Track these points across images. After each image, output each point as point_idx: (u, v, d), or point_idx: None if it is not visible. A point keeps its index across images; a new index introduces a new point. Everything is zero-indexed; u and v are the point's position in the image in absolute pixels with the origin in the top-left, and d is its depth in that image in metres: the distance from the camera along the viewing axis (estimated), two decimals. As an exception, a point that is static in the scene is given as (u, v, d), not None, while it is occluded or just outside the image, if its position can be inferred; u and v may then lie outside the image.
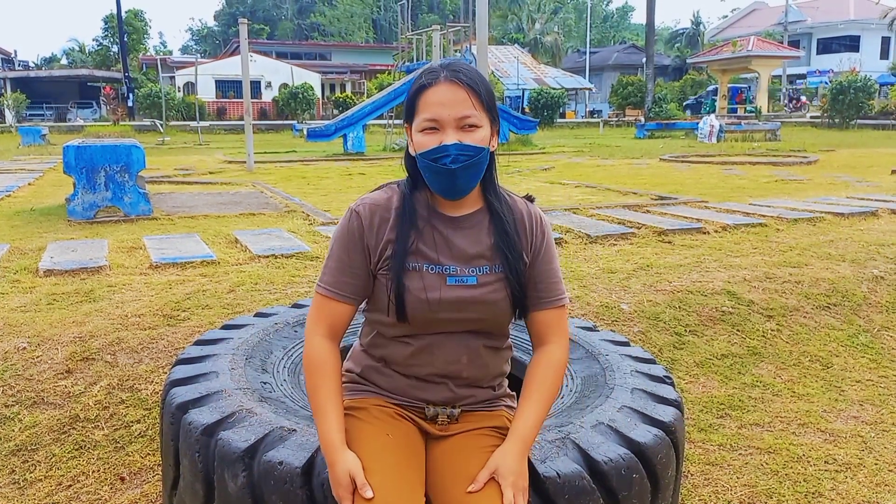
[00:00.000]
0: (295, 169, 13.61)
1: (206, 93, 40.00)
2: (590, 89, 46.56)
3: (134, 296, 3.95)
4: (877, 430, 3.04)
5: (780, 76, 45.90)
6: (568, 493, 1.58)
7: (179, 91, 40.03)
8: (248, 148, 13.42)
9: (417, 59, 22.95)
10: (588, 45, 54.39)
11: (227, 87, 42.02)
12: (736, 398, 3.26)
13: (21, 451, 2.62)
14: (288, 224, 6.53)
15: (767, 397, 3.31)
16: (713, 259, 4.95)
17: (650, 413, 1.83)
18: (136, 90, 37.34)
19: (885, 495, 2.54)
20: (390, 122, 20.86)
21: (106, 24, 47.12)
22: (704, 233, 5.91)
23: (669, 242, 5.56)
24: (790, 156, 15.60)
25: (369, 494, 1.43)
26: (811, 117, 32.66)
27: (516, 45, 49.92)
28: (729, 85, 39.53)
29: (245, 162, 13.59)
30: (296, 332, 2.38)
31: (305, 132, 19.59)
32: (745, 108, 37.44)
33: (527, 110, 33.68)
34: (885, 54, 50.04)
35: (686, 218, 6.53)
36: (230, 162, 15.08)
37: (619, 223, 6.28)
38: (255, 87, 39.91)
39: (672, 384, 2.06)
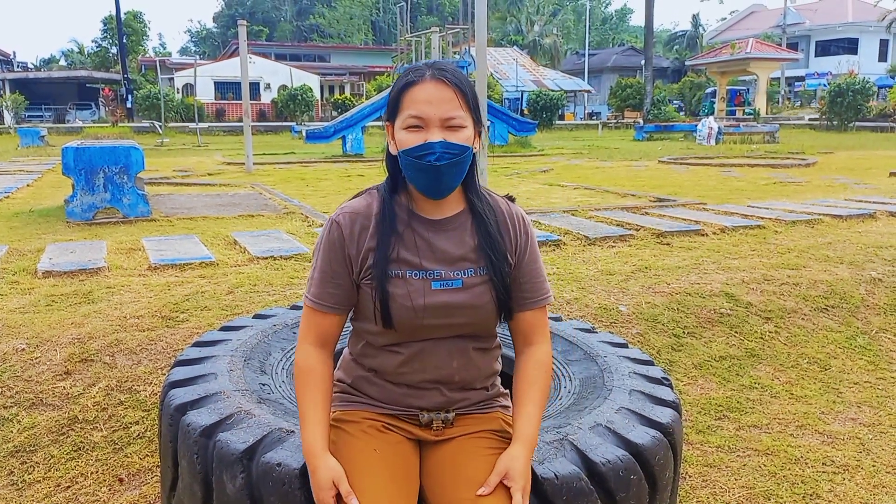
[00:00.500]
0: (294, 170, 13.61)
1: (205, 94, 40.01)
2: (588, 91, 46.60)
3: (132, 297, 3.95)
4: (874, 432, 3.04)
5: (779, 78, 45.98)
6: (566, 495, 1.58)
7: (178, 92, 40.02)
8: (247, 149, 13.42)
9: (416, 61, 22.96)
10: (587, 47, 54.45)
11: (226, 89, 42.04)
12: (734, 400, 3.27)
13: (20, 453, 2.62)
14: (287, 225, 6.53)
15: (765, 399, 3.31)
16: (711, 261, 4.95)
17: (648, 415, 1.83)
18: (134, 92, 37.33)
19: (883, 497, 2.55)
20: (389, 123, 20.78)
21: (105, 25, 47.13)
22: (703, 235, 5.92)
23: (668, 244, 5.56)
24: (788, 158, 15.62)
25: (354, 503, 1.44)
26: (810, 119, 32.70)
27: (515, 47, 50.00)
28: (727, 87, 39.60)
29: (244, 163, 13.59)
30: (294, 333, 2.38)
31: (304, 134, 19.59)
32: (744, 111, 37.49)
33: (525, 112, 33.70)
34: (883, 56, 50.13)
35: (684, 220, 6.54)
36: (229, 163, 15.08)
37: (617, 225, 6.29)
38: (254, 88, 39.92)
39: (670, 386, 2.06)
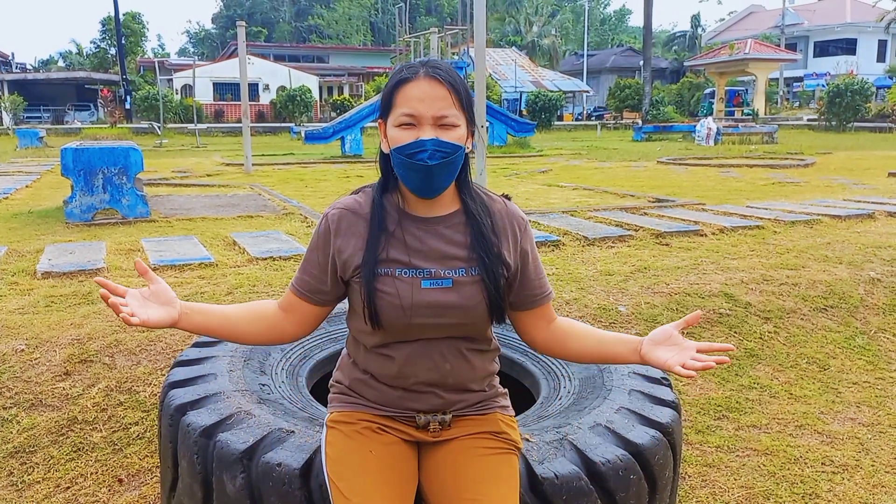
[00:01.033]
0: (293, 171, 13.61)
1: (204, 95, 40.02)
2: (587, 92, 46.63)
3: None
4: (874, 432, 3.05)
5: (778, 79, 46.03)
6: (565, 494, 1.59)
7: (177, 93, 40.02)
8: (246, 150, 13.42)
9: (415, 62, 22.94)
10: (585, 48, 54.47)
11: (225, 90, 42.05)
12: (733, 400, 3.27)
13: (19, 453, 2.62)
14: (286, 226, 6.53)
15: (765, 399, 3.31)
16: (710, 261, 4.96)
17: (648, 414, 1.83)
18: (133, 93, 37.34)
19: (882, 497, 2.55)
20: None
21: (103, 26, 47.11)
22: (702, 235, 5.93)
23: (667, 245, 5.57)
24: (787, 158, 15.63)
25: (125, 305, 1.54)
26: (808, 120, 32.74)
27: (514, 47, 50.06)
28: (726, 88, 39.64)
29: (243, 164, 13.58)
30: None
31: (303, 135, 19.57)
32: (743, 111, 37.53)
33: (524, 113, 33.72)
34: (881, 57, 50.18)
35: (683, 220, 6.54)
36: (228, 164, 15.08)
37: (616, 225, 6.29)
38: (253, 89, 39.93)
39: (669, 386, 2.07)
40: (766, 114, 38.06)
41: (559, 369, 2.20)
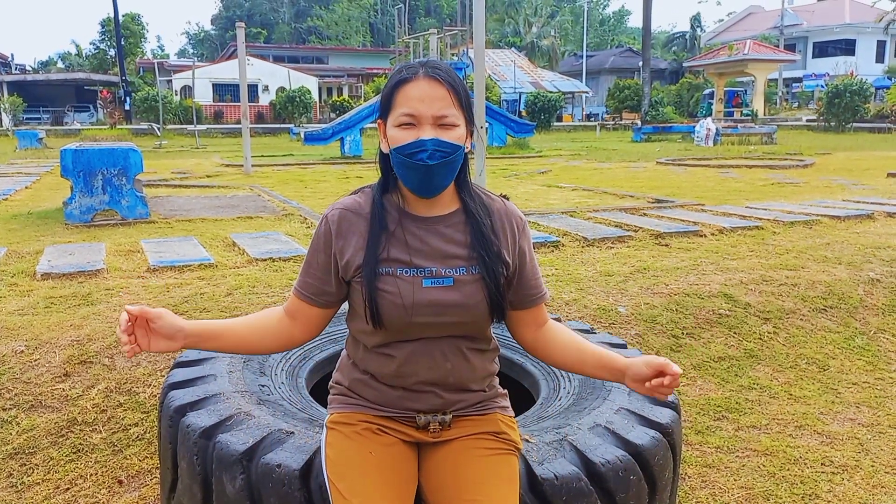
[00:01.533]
0: (292, 172, 13.61)
1: (204, 96, 40.02)
2: (586, 93, 46.65)
3: (131, 299, 3.95)
4: (873, 433, 3.05)
5: (777, 79, 46.07)
6: (565, 495, 1.59)
7: (177, 95, 40.02)
8: (246, 151, 13.42)
9: (414, 63, 22.95)
10: (585, 49, 54.53)
11: (225, 91, 42.05)
12: (733, 400, 3.27)
13: (19, 455, 2.62)
14: (285, 227, 6.53)
15: (764, 400, 3.31)
16: (710, 262, 4.96)
17: (647, 415, 1.84)
18: (133, 94, 37.35)
19: (882, 497, 2.55)
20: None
21: (103, 27, 47.11)
22: (701, 236, 5.93)
23: (666, 245, 5.57)
24: (786, 159, 15.64)
25: (152, 319, 1.54)
26: (808, 120, 32.77)
27: (513, 48, 50.09)
28: (725, 88, 39.66)
29: (242, 165, 13.59)
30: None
31: (303, 136, 19.58)
32: (742, 112, 37.55)
33: (523, 114, 33.73)
34: (880, 58, 50.23)
35: (683, 221, 6.55)
36: (227, 165, 15.08)
37: (615, 226, 6.29)
38: (253, 90, 39.94)
39: (669, 386, 2.07)
40: (765, 114, 38.08)
41: (558, 370, 2.20)
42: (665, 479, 1.76)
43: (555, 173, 13.17)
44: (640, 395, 1.94)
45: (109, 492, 2.47)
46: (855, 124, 28.56)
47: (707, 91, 41.54)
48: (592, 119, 43.89)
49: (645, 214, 7.10)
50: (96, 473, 2.55)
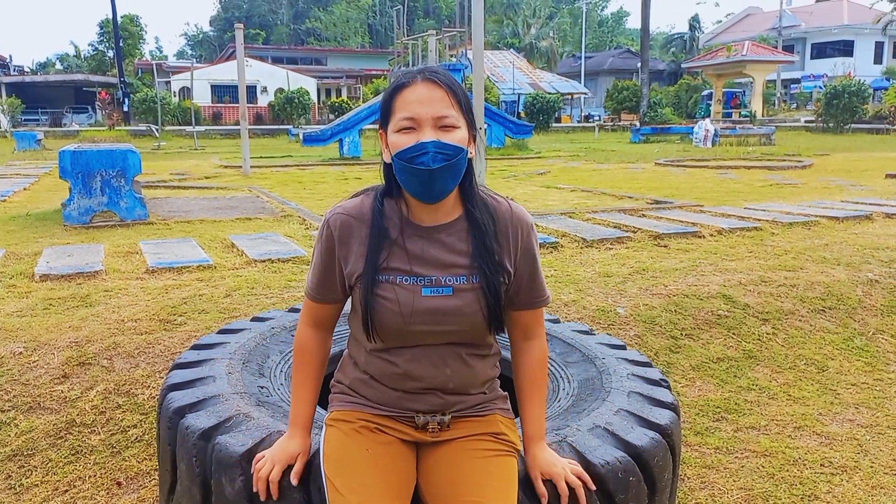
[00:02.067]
0: (291, 173, 13.61)
1: (202, 97, 39.99)
2: (585, 94, 46.67)
3: (130, 300, 3.94)
4: (872, 433, 3.05)
5: (775, 80, 46.11)
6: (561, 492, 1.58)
7: (175, 96, 40.00)
8: (244, 152, 13.42)
9: (413, 64, 22.99)
10: (583, 50, 54.57)
11: (223, 92, 42.03)
12: (732, 401, 3.27)
13: (17, 456, 2.62)
14: (284, 228, 6.53)
15: (763, 400, 3.31)
16: (709, 263, 4.96)
17: (647, 416, 1.83)
18: (131, 95, 37.30)
19: (881, 498, 2.55)
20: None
21: (101, 29, 47.04)
22: (700, 237, 5.93)
23: (665, 246, 5.57)
24: (785, 160, 15.65)
25: (294, 482, 1.55)
26: (806, 121, 32.80)
27: (512, 49, 50.07)
28: (724, 89, 39.69)
29: (241, 166, 13.58)
30: (292, 336, 2.38)
31: (301, 137, 19.59)
32: (740, 113, 37.58)
33: (522, 115, 33.74)
34: (878, 59, 50.29)
35: (682, 222, 6.55)
36: (226, 166, 15.07)
37: (614, 227, 6.30)
38: (251, 91, 39.93)
39: (668, 387, 2.07)
40: (763, 115, 38.12)
41: (558, 371, 2.20)
42: (664, 480, 1.76)
43: (553, 174, 13.17)
44: (639, 396, 1.94)
45: (108, 493, 2.46)
46: (853, 125, 28.60)
47: (705, 92, 41.56)
48: (591, 120, 43.91)
49: (644, 215, 7.11)
50: (95, 475, 2.54)
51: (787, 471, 2.71)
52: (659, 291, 4.26)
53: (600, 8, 76.26)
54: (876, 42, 49.97)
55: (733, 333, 3.91)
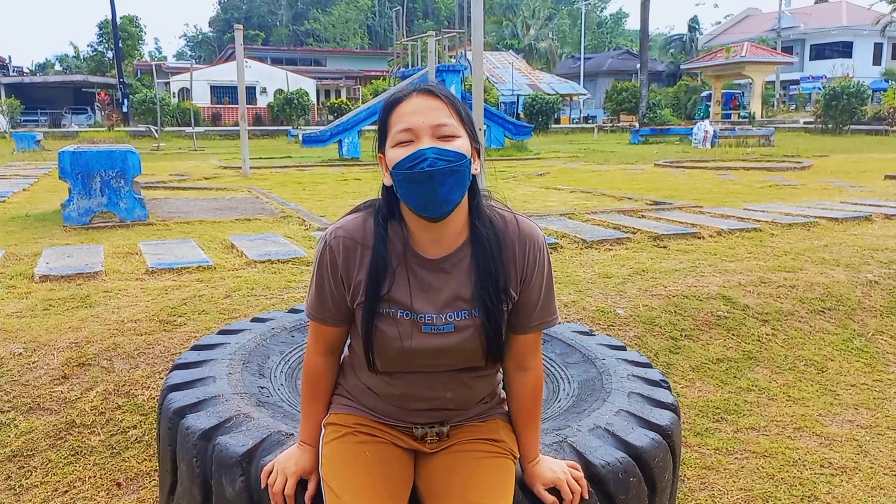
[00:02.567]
0: (290, 174, 13.61)
1: (201, 98, 39.97)
2: (584, 95, 46.69)
3: (130, 301, 3.94)
4: (872, 434, 3.05)
5: (774, 82, 46.14)
6: (565, 497, 1.58)
7: (174, 97, 39.99)
8: (244, 153, 13.41)
9: (412, 65, 23.02)
10: (583, 51, 54.59)
11: (222, 93, 42.01)
12: (732, 402, 3.27)
13: (17, 457, 2.62)
14: (284, 229, 6.53)
15: (763, 401, 3.32)
16: (708, 264, 4.96)
17: (647, 417, 1.84)
18: (130, 96, 37.27)
19: (881, 499, 2.55)
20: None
21: (101, 29, 47.01)
22: (699, 237, 5.93)
23: (664, 247, 5.57)
24: (784, 161, 15.66)
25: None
26: (805, 122, 32.82)
27: (511, 51, 50.07)
28: (723, 91, 39.71)
29: (240, 167, 13.58)
30: (292, 336, 2.38)
31: (301, 138, 19.59)
32: (739, 114, 37.59)
33: (521, 116, 33.76)
34: (877, 60, 50.32)
35: (681, 223, 6.55)
36: (225, 167, 15.07)
37: (614, 228, 6.30)
38: (251, 92, 39.91)
39: (668, 388, 2.07)
40: (762, 117, 38.14)
41: (558, 372, 2.20)
42: (665, 480, 1.76)
43: (553, 175, 13.18)
44: (639, 397, 1.95)
45: (108, 494, 2.46)
46: (852, 126, 28.62)
47: (705, 93, 41.59)
48: (590, 121, 43.93)
49: (643, 216, 7.11)
50: (95, 476, 2.54)
51: (787, 471, 2.71)
52: (658, 292, 4.27)
53: (599, 9, 76.28)
54: (875, 43, 50.00)
55: (733, 334, 3.91)
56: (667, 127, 30.70)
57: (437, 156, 1.41)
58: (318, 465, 1.58)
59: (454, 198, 1.46)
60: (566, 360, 2.26)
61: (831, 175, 12.46)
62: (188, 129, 29.07)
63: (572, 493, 1.57)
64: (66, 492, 2.46)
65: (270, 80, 42.52)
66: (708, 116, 34.65)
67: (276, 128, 34.56)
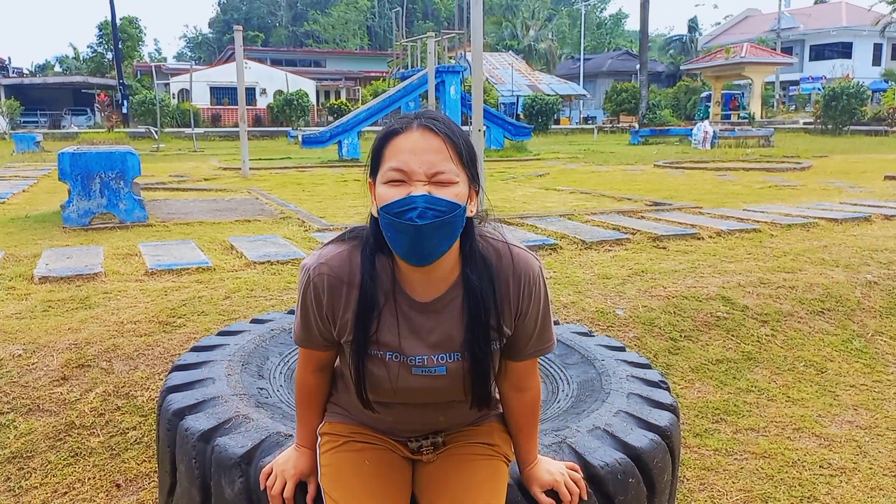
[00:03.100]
0: (290, 175, 13.61)
1: (201, 99, 39.96)
2: (584, 96, 46.71)
3: (129, 302, 3.94)
4: (871, 435, 3.05)
5: (774, 82, 46.16)
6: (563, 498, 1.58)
7: (174, 98, 39.98)
8: (243, 154, 13.41)
9: (412, 66, 23.01)
10: (582, 52, 54.60)
11: (222, 94, 42.01)
12: (731, 403, 3.27)
13: (16, 459, 2.62)
14: (283, 230, 6.53)
15: (762, 402, 3.32)
16: (708, 264, 4.96)
17: (646, 418, 1.84)
18: (130, 97, 37.27)
19: (881, 499, 2.55)
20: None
21: (100, 31, 46.99)
22: (699, 238, 5.93)
23: (664, 248, 5.57)
24: (784, 161, 15.66)
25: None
26: (805, 123, 32.84)
27: (511, 51, 50.10)
28: (722, 91, 39.74)
29: (240, 168, 13.58)
30: (291, 337, 2.38)
31: (300, 139, 19.59)
32: (739, 115, 37.61)
33: (521, 117, 33.78)
34: (877, 60, 50.34)
35: (680, 224, 6.55)
36: (225, 168, 15.07)
37: (613, 229, 6.30)
38: (250, 93, 39.90)
39: (667, 389, 2.07)
40: (762, 117, 38.15)
41: (557, 373, 2.21)
42: (664, 481, 1.77)
43: (552, 176, 13.18)
44: (638, 398, 1.95)
45: (108, 496, 2.46)
46: (852, 127, 28.63)
47: (704, 94, 41.61)
48: (590, 122, 43.95)
49: (643, 217, 7.11)
50: (94, 477, 2.54)
51: (787, 472, 2.71)
52: (658, 293, 4.27)
53: (599, 10, 76.30)
54: (874, 44, 50.03)
55: (732, 335, 3.91)
56: (666, 128, 30.71)
57: (428, 205, 1.32)
58: (317, 469, 1.58)
59: (442, 249, 1.39)
60: (565, 360, 2.26)
61: (831, 176, 12.47)
62: (188, 131, 29.08)
63: (570, 494, 1.56)
64: (66, 493, 2.47)
65: (270, 81, 42.53)
66: (707, 117, 34.66)
67: (275, 129, 34.56)
